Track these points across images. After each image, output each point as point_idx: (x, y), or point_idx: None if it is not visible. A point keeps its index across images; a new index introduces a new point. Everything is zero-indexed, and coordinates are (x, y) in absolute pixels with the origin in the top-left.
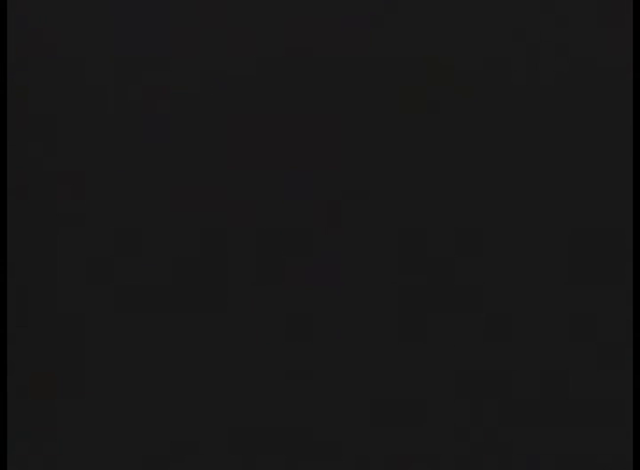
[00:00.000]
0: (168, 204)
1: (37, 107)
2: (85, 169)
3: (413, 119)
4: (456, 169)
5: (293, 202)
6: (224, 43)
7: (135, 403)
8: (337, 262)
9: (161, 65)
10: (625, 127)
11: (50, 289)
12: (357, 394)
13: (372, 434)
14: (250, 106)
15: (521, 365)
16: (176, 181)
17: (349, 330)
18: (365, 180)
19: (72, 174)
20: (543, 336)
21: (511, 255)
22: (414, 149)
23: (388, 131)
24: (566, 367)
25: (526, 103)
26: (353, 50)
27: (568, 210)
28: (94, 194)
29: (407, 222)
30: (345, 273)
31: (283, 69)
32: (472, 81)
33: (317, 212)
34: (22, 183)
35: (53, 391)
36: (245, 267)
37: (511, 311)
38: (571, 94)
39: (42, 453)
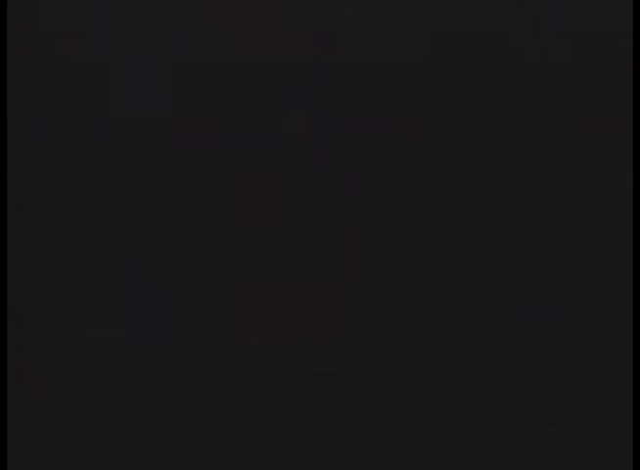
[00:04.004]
0: (168, 204)
1: (37, 106)
2: (85, 169)
3: (412, 118)
4: (454, 173)
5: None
6: (225, 42)
7: (136, 404)
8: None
9: (162, 64)
10: (626, 125)
11: (50, 289)
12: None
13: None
14: (252, 106)
15: (520, 364)
16: (177, 181)
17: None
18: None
19: (73, 174)
20: (543, 335)
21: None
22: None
23: (388, 131)
24: (565, 366)
25: (525, 103)
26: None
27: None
28: (94, 194)
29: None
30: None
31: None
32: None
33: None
34: (22, 184)
35: (53, 391)
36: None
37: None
38: (570, 92)
39: (42, 453)
